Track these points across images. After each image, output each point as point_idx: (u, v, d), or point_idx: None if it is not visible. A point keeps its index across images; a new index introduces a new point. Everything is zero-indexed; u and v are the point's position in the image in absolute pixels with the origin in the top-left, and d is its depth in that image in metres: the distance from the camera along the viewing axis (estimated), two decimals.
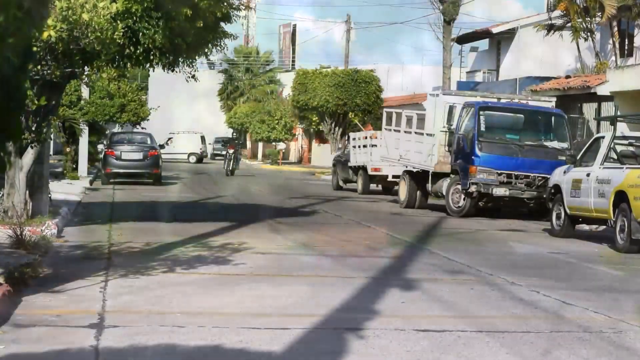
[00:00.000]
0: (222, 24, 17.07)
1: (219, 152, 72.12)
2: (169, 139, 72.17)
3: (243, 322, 8.64)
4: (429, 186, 25.60)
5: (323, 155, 62.88)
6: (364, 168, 32.96)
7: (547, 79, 36.97)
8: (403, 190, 26.90)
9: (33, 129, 15.16)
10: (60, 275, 11.08)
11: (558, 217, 19.50)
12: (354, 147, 34.01)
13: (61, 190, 25.05)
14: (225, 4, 16.51)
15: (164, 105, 57.53)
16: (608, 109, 30.30)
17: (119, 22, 14.55)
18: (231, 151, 43.92)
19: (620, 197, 16.99)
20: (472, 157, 23.24)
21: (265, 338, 8.02)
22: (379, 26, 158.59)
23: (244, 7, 17.99)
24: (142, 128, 38.55)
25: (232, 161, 43.03)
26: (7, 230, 13.59)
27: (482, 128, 23.45)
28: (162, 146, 36.46)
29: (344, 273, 12.38)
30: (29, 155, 15.76)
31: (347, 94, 53.18)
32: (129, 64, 16.30)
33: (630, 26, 37.02)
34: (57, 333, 7.94)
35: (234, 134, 49.08)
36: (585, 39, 37.40)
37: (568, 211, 19.03)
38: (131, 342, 7.63)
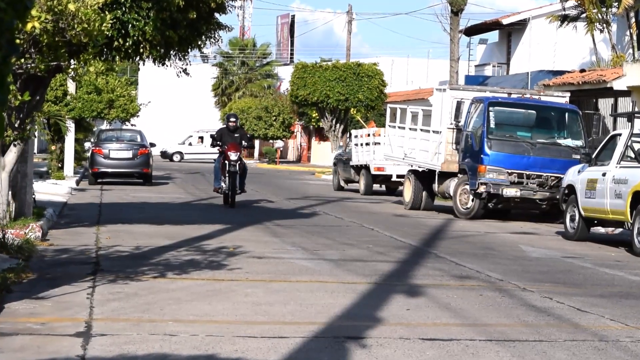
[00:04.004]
0: (217, 14, 17.07)
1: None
2: (190, 136, 72.05)
3: (238, 331, 8.65)
4: (435, 186, 25.63)
5: (323, 153, 62.98)
6: (366, 167, 32.98)
7: (561, 72, 37.00)
8: (408, 190, 26.93)
9: (16, 126, 15.15)
10: (45, 281, 11.08)
11: (572, 219, 19.51)
12: (356, 145, 34.03)
13: (46, 190, 25.09)
14: None
15: (155, 101, 57.50)
16: (625, 104, 30.32)
17: (107, 12, 14.56)
18: (234, 156, 23.92)
19: (638, 198, 17.00)
20: (481, 156, 23.26)
21: (262, 347, 8.02)
22: (383, 17, 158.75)
23: None
24: (132, 125, 38.58)
25: (237, 177, 23.94)
26: None
27: (492, 125, 23.47)
28: (153, 145, 36.26)
29: (345, 278, 12.39)
30: (12, 154, 15.75)
31: (348, 88, 53.22)
32: (117, 57, 16.32)
33: None
34: (42, 342, 7.94)
35: (231, 119, 25.00)
36: (601, 31, 37.42)
37: (583, 213, 19.04)
38: (120, 352, 7.63)
